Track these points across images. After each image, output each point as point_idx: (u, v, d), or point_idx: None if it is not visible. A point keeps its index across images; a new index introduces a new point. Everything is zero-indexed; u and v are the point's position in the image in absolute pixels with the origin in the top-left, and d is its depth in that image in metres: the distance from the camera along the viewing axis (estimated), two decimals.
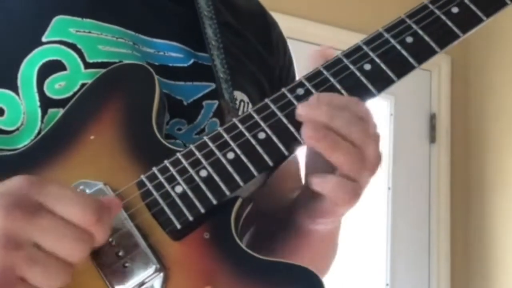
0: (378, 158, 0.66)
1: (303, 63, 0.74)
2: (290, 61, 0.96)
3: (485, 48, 2.76)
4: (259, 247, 0.71)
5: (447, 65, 2.78)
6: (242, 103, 0.83)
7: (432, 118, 2.73)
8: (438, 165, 2.69)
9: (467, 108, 2.78)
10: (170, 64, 0.80)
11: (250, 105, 0.83)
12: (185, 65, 0.81)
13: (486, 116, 2.70)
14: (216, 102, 0.81)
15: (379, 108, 2.61)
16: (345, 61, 0.69)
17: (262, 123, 0.67)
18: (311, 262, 0.78)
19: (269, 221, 0.83)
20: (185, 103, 0.79)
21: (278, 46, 0.94)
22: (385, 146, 2.65)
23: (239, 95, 0.83)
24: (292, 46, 0.98)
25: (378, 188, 2.62)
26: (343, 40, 2.10)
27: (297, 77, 0.78)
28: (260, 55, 0.90)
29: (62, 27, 0.75)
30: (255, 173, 0.65)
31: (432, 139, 2.72)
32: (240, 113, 0.80)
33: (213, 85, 0.81)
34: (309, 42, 2.42)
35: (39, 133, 0.72)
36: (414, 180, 2.66)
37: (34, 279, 0.52)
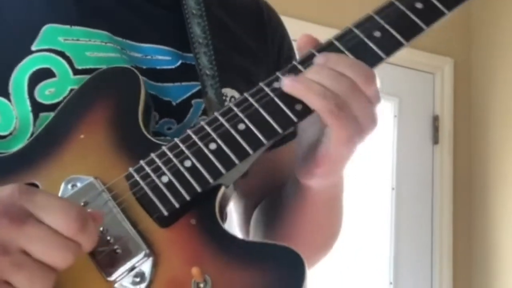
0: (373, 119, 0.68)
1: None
2: (289, 54, 0.95)
3: (488, 50, 2.77)
4: (266, 222, 0.74)
5: (450, 68, 2.79)
6: (232, 99, 0.84)
7: (435, 120, 2.75)
8: (441, 166, 2.70)
9: (470, 110, 2.79)
10: (158, 67, 0.81)
11: None
12: (173, 66, 0.83)
13: (489, 117, 2.71)
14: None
15: (383, 110, 2.63)
16: (318, 55, 0.71)
17: (241, 115, 0.69)
18: (316, 228, 0.81)
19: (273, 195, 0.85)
20: (173, 103, 0.81)
21: (274, 42, 0.94)
22: (389, 147, 2.67)
23: (229, 91, 0.84)
24: None
25: (382, 188, 2.64)
26: None
27: None
28: (253, 50, 0.91)
29: (51, 36, 0.77)
30: (236, 161, 0.67)
31: (435, 140, 2.73)
32: None
33: None
34: None
35: (31, 136, 0.74)
36: (418, 181, 2.68)
37: (18, 284, 0.54)
